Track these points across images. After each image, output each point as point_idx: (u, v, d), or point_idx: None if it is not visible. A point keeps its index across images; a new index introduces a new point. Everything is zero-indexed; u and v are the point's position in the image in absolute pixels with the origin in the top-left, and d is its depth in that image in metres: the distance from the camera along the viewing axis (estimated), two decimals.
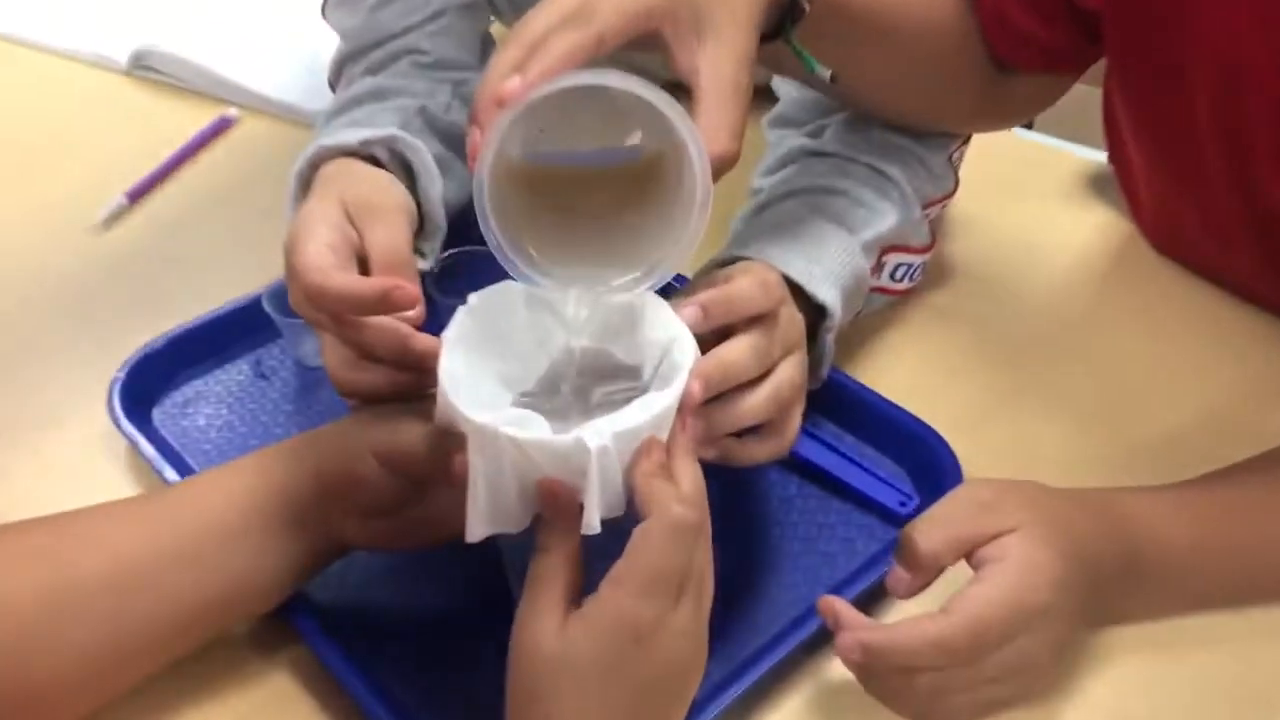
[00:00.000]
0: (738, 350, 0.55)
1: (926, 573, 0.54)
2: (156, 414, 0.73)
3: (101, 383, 0.71)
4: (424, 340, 0.55)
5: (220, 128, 0.98)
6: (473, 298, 0.55)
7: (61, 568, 0.53)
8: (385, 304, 0.54)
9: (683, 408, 0.52)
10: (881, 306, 0.76)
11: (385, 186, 0.63)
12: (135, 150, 0.94)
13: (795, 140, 0.75)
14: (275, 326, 0.74)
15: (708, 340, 0.55)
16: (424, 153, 0.67)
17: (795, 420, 0.58)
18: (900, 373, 0.74)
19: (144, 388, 0.72)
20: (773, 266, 0.58)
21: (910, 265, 0.74)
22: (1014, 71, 0.73)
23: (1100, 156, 0.89)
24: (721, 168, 0.52)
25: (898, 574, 0.55)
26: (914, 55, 0.69)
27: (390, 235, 0.59)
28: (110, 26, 1.08)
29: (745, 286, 0.56)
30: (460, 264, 0.74)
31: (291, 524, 0.56)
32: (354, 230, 0.59)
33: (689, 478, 0.50)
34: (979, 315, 0.79)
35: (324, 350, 0.59)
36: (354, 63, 0.80)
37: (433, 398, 0.52)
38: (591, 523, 0.48)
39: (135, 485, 0.69)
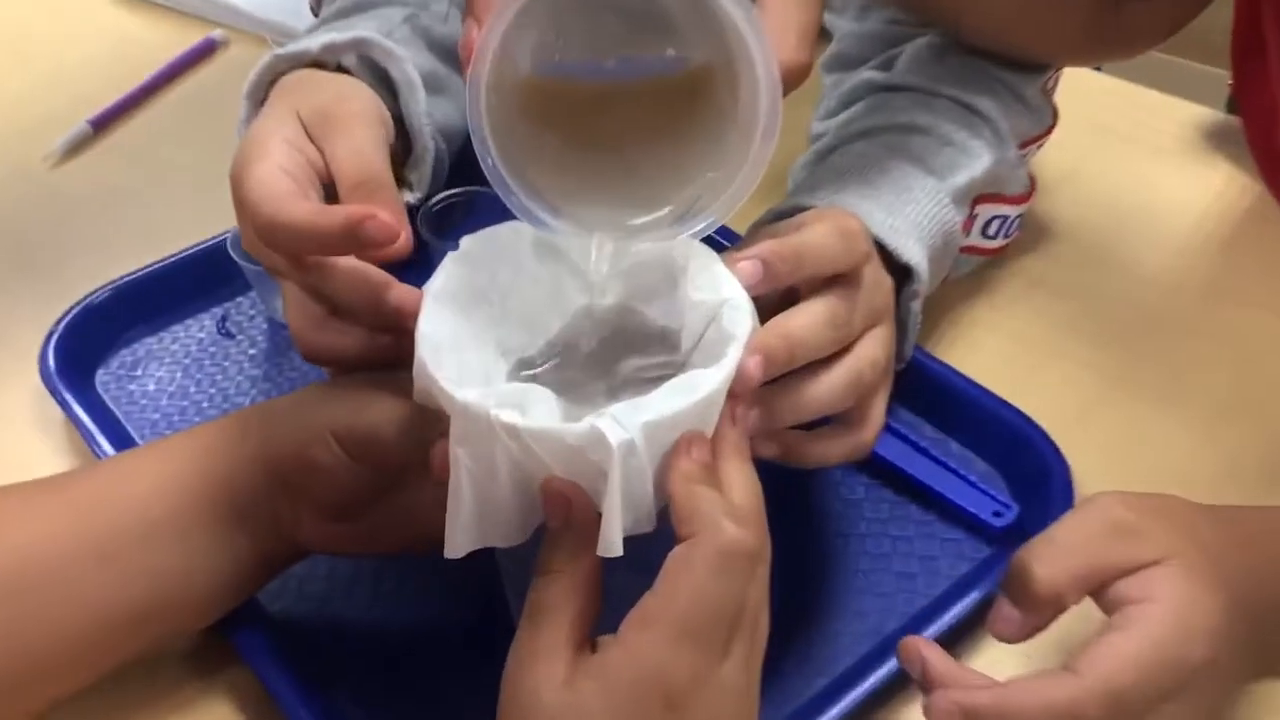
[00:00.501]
0: (809, 319, 0.42)
1: (1044, 612, 0.42)
2: (100, 377, 0.62)
3: (39, 339, 0.61)
4: (404, 292, 0.43)
5: (204, 51, 0.88)
6: (465, 242, 0.43)
7: None
8: (355, 238, 0.41)
9: (735, 392, 0.39)
10: (969, 271, 0.63)
11: (350, 93, 0.51)
12: (108, 75, 0.84)
13: (861, 74, 0.62)
14: (244, 275, 0.63)
15: (768, 307, 0.43)
16: (402, 59, 0.54)
17: (879, 411, 0.46)
18: (987, 354, 0.62)
19: (86, 345, 0.62)
20: (853, 213, 0.45)
21: (1006, 218, 0.62)
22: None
23: (1210, 112, 0.77)
24: (790, 81, 0.40)
25: (1005, 612, 0.42)
26: None
27: (357, 147, 0.47)
28: None
29: (820, 236, 0.43)
30: (462, 207, 0.62)
31: (232, 520, 0.45)
32: (314, 148, 0.47)
33: (743, 485, 0.38)
34: (1081, 285, 0.66)
35: (285, 303, 0.47)
36: None
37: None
38: (611, 541, 0.36)
39: (70, 460, 0.59)
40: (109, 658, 0.46)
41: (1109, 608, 0.41)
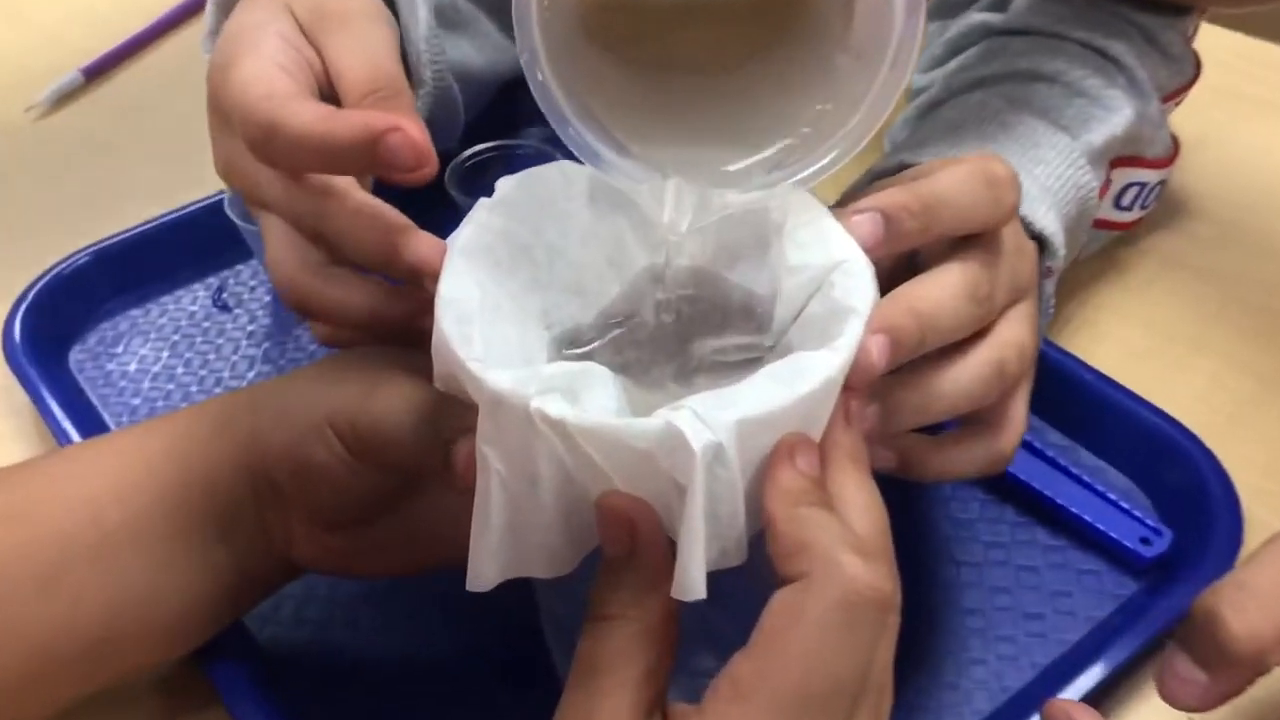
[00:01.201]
0: (944, 290, 0.33)
1: (1239, 674, 0.32)
2: (75, 354, 0.53)
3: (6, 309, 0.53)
4: (426, 244, 0.34)
5: None
6: (503, 185, 0.34)
7: None
8: (374, 153, 0.32)
9: (851, 383, 0.30)
10: (1097, 249, 0.54)
11: (354, 2, 0.41)
12: (106, 21, 0.77)
13: (972, 17, 0.53)
14: (244, 239, 0.54)
15: (880, 275, 0.33)
16: None
17: (1021, 411, 0.36)
18: (1118, 345, 0.52)
19: (60, 318, 0.54)
20: (998, 157, 0.35)
21: (1144, 185, 0.52)
22: None
23: None
24: None
25: (1184, 671, 0.33)
26: None
27: (364, 46, 0.37)
28: None
29: (957, 182, 0.34)
30: (499, 164, 0.54)
31: (209, 529, 0.37)
32: (311, 50, 0.38)
33: (864, 506, 0.29)
34: (1225, 268, 0.57)
35: (268, 243, 0.37)
36: None
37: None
38: (691, 581, 0.27)
39: (35, 452, 0.50)
40: (57, 696, 0.37)
41: None
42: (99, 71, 0.73)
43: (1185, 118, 0.57)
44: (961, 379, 0.34)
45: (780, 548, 0.27)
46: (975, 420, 0.36)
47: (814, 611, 0.26)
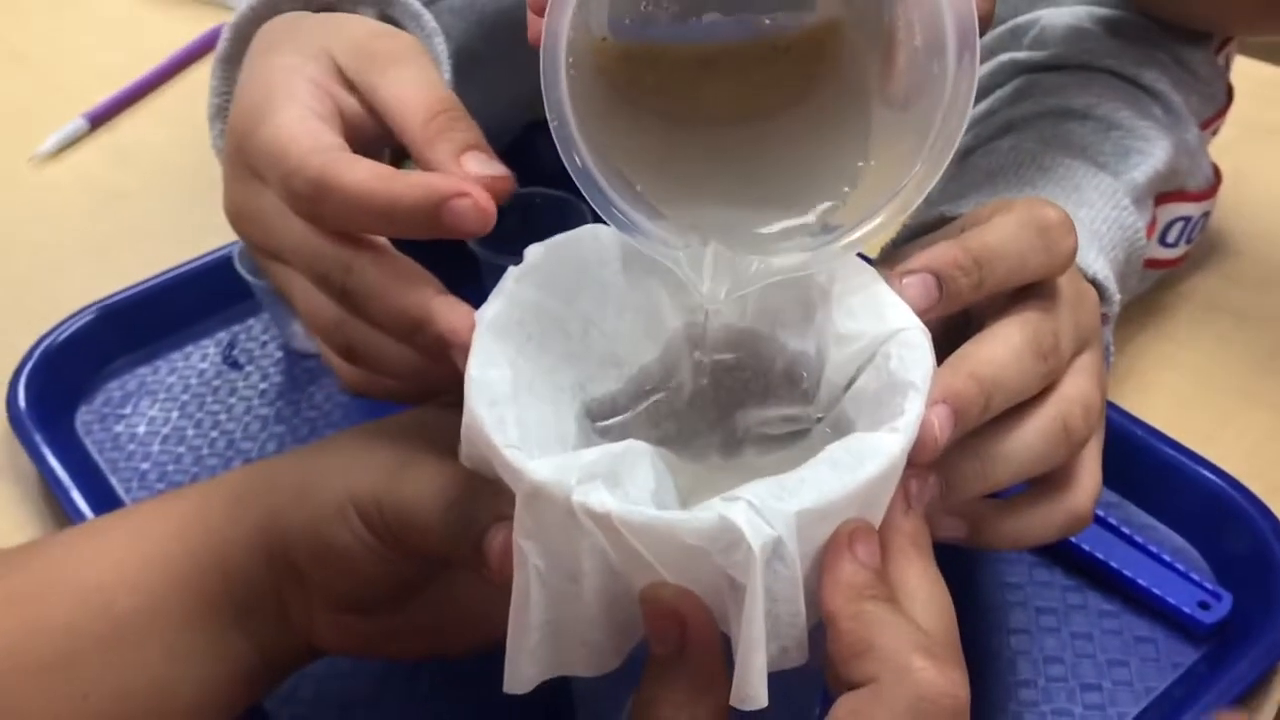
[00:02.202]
0: (1006, 349, 0.31)
1: None
2: (81, 416, 0.52)
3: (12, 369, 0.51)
4: (452, 311, 0.32)
5: (214, 40, 0.76)
6: (532, 252, 0.32)
7: None
8: (440, 219, 0.31)
9: (913, 460, 0.28)
10: (1146, 290, 0.52)
11: (387, 30, 0.39)
12: (109, 66, 0.75)
13: (997, 59, 0.51)
14: (254, 294, 0.52)
15: (937, 332, 0.31)
16: (432, 30, 0.42)
17: (1094, 468, 0.34)
18: (1164, 398, 0.51)
19: (65, 378, 0.52)
20: (1049, 201, 0.33)
21: (1189, 219, 0.50)
22: None
23: None
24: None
25: None
26: None
27: (423, 76, 0.35)
28: None
29: (1010, 232, 0.32)
30: (518, 212, 0.52)
31: (226, 615, 0.35)
32: (352, 98, 0.36)
33: (928, 599, 0.27)
34: (1267, 310, 0.55)
35: (292, 295, 0.35)
36: None
37: None
38: (752, 690, 0.25)
39: (39, 520, 0.48)
40: None
41: None
42: (103, 118, 0.71)
43: (1220, 153, 0.55)
44: (1026, 442, 0.32)
45: (844, 649, 0.25)
46: (1046, 481, 0.34)
47: None
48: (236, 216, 0.36)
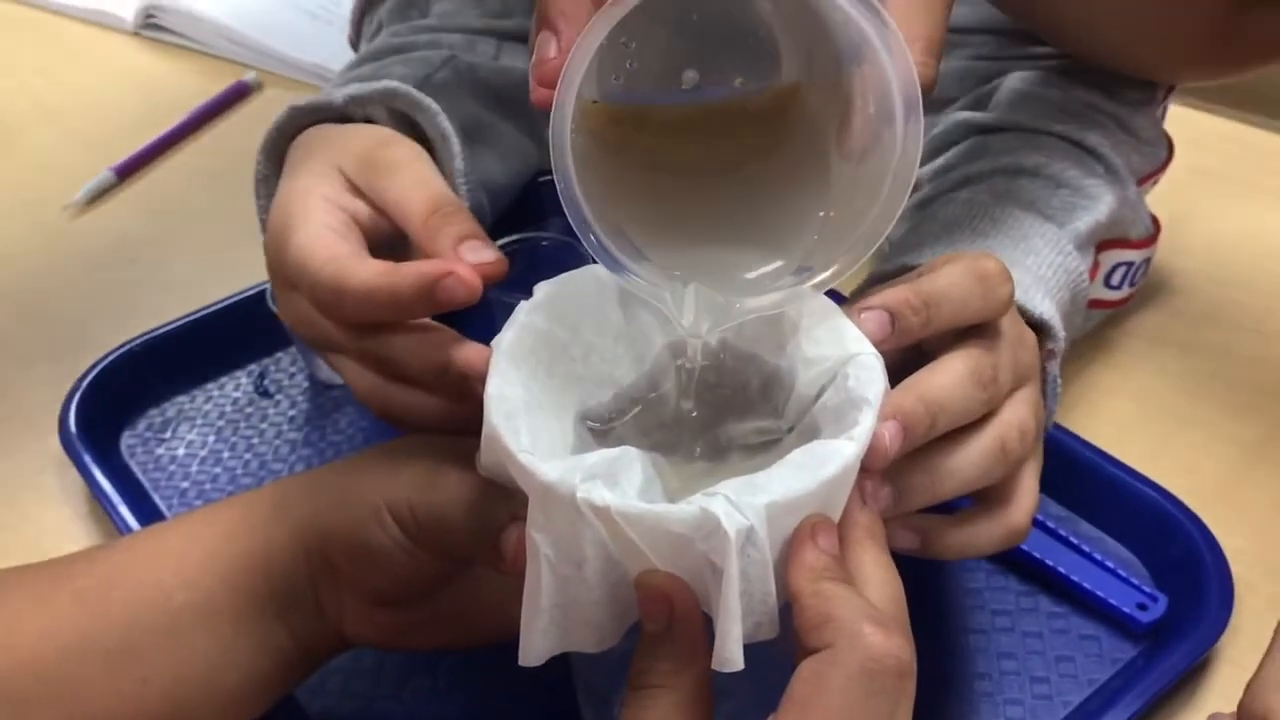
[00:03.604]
0: (951, 378, 0.36)
1: None
2: (126, 439, 0.56)
3: (57, 399, 0.55)
4: (472, 353, 0.37)
5: (237, 94, 0.84)
6: (542, 289, 0.37)
7: None
8: (432, 297, 0.36)
9: (867, 466, 0.33)
10: (1091, 328, 0.57)
11: (390, 138, 0.45)
12: (135, 121, 0.80)
13: (954, 116, 0.57)
14: (283, 329, 0.57)
15: (892, 367, 0.36)
16: (434, 113, 0.48)
17: (1030, 488, 0.39)
18: (1110, 420, 0.55)
19: (112, 404, 0.57)
20: (991, 254, 0.39)
21: (1131, 265, 0.55)
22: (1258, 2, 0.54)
23: None
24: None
25: None
26: None
27: (418, 178, 0.41)
28: None
29: (954, 280, 0.37)
30: (524, 255, 0.57)
31: (269, 609, 0.39)
32: (361, 203, 0.42)
33: (881, 580, 0.32)
34: (1209, 344, 0.60)
35: (346, 375, 0.41)
36: (374, 11, 0.63)
37: None
38: (729, 654, 0.30)
39: (91, 532, 0.53)
40: None
41: None
42: (130, 170, 0.76)
43: (1169, 198, 0.60)
44: (969, 459, 0.37)
45: (805, 620, 0.30)
46: (985, 499, 0.39)
47: (838, 679, 0.28)
48: (287, 318, 0.42)
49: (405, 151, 0.44)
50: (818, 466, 0.31)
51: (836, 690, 0.28)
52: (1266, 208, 0.69)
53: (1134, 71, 0.57)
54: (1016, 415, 0.38)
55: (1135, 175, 0.55)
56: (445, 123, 0.48)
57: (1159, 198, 0.59)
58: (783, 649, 0.32)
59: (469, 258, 0.38)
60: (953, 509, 0.38)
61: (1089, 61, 0.56)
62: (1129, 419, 0.55)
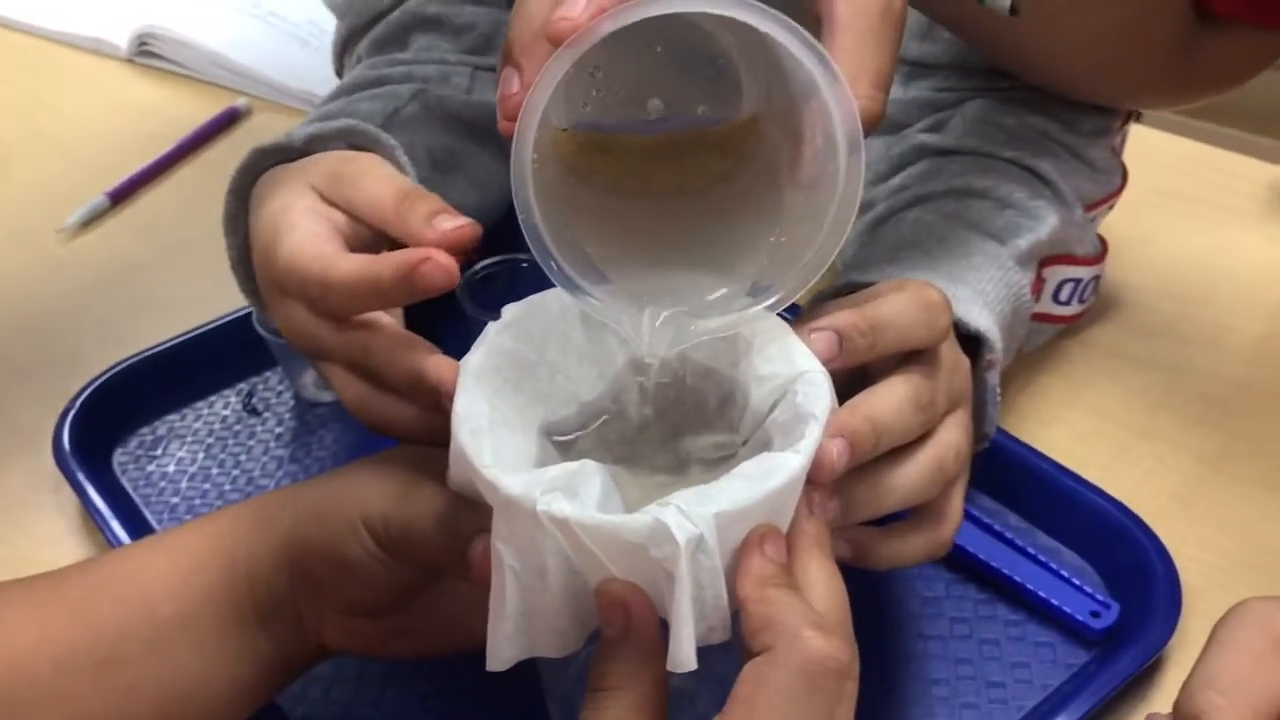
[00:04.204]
0: (893, 400, 0.38)
1: None
2: (118, 456, 0.58)
3: (50, 417, 0.57)
4: (441, 366, 0.39)
5: (227, 120, 0.85)
6: (508, 311, 0.39)
7: None
8: (411, 283, 0.38)
9: (814, 479, 0.35)
10: (1045, 341, 0.59)
11: (351, 155, 0.47)
12: (128, 145, 0.82)
13: (912, 138, 0.59)
14: (269, 350, 0.59)
15: (838, 388, 0.38)
16: (394, 148, 0.50)
17: (958, 504, 0.41)
18: (1065, 432, 0.57)
19: (104, 422, 0.58)
20: (933, 285, 0.41)
21: (1078, 281, 0.57)
22: (1218, 25, 0.56)
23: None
24: (864, 130, 0.36)
25: None
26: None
27: (383, 177, 0.43)
28: (112, 9, 0.97)
29: (899, 307, 0.39)
30: (505, 276, 0.59)
31: (252, 620, 0.41)
32: (338, 213, 0.44)
33: (826, 587, 0.33)
34: (1163, 357, 0.62)
35: (335, 383, 0.43)
36: (355, 44, 0.65)
37: None
38: (683, 656, 0.32)
39: (83, 547, 0.55)
40: None
41: None
42: (123, 195, 0.77)
43: (1128, 217, 0.62)
44: (909, 476, 0.39)
45: (750, 625, 0.32)
46: (917, 513, 0.41)
47: (779, 680, 0.30)
48: (284, 331, 0.44)
49: (366, 161, 0.46)
50: (765, 478, 0.33)
51: (777, 690, 0.30)
52: (1222, 225, 0.71)
53: (1094, 100, 0.59)
54: (952, 437, 0.40)
55: (1085, 201, 0.57)
56: (402, 156, 0.50)
57: (1119, 216, 0.62)
58: (735, 644, 0.34)
59: (443, 226, 0.40)
60: (884, 522, 0.40)
61: (1050, 90, 0.58)
62: (1086, 431, 0.57)
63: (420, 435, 0.41)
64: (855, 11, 0.36)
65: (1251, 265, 0.68)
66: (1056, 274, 0.57)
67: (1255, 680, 0.35)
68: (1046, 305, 0.58)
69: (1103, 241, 0.59)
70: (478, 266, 0.58)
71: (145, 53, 0.92)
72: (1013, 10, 0.44)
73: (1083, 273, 0.58)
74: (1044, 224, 0.54)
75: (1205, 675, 0.36)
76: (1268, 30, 0.57)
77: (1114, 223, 0.61)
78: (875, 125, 0.37)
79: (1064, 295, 0.58)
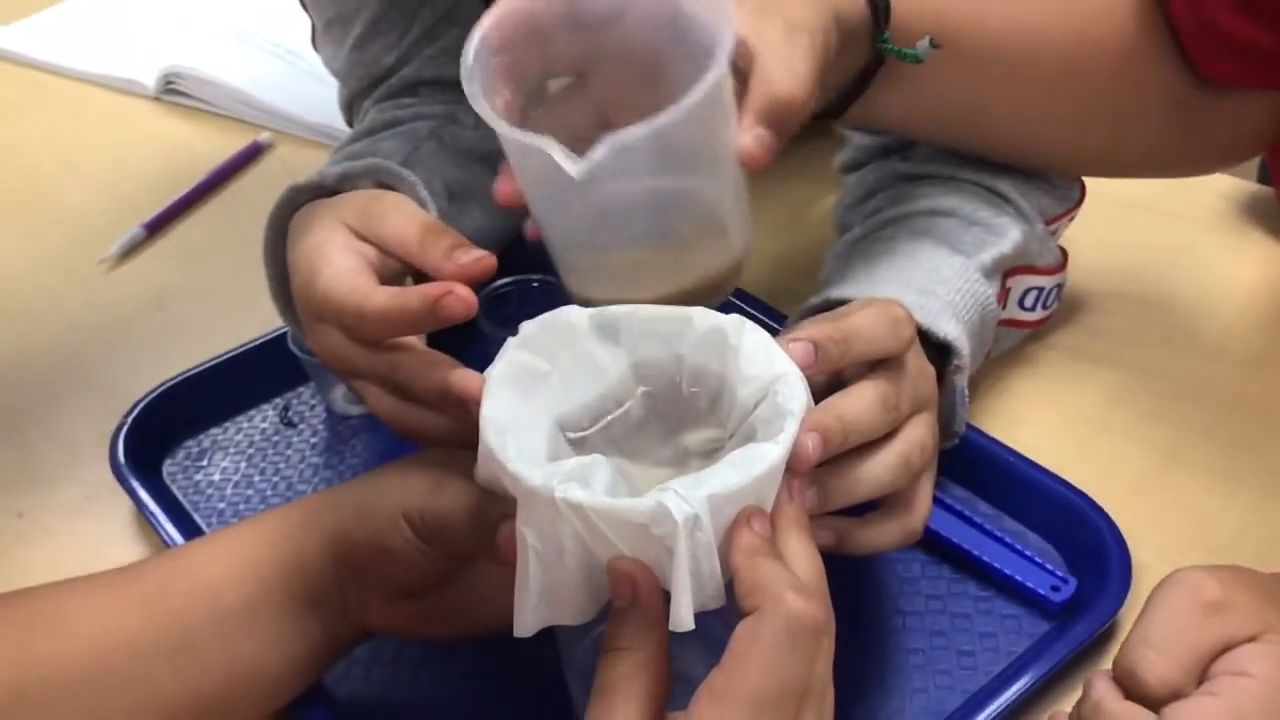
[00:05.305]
0: (861, 401, 0.43)
1: (1154, 705, 0.41)
2: (167, 467, 0.64)
3: (106, 434, 0.63)
4: (464, 377, 0.44)
5: (251, 153, 0.91)
6: (526, 327, 0.45)
7: (33, 658, 0.44)
8: (437, 313, 0.44)
9: (792, 468, 0.40)
10: (1013, 345, 0.64)
11: (378, 193, 0.53)
12: (159, 179, 0.87)
13: (884, 167, 0.64)
14: (303, 368, 0.64)
15: (814, 392, 0.44)
16: (415, 184, 0.56)
17: (926, 495, 0.47)
18: (1032, 427, 0.62)
19: (154, 437, 0.64)
20: (899, 302, 0.46)
21: (1042, 289, 0.63)
22: (1222, 90, 0.61)
23: (1242, 183, 0.78)
24: (787, 114, 0.43)
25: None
26: (1064, 79, 0.58)
27: (408, 213, 0.49)
28: (140, 50, 1.02)
29: (867, 321, 0.45)
30: (518, 294, 0.64)
31: (305, 605, 0.46)
32: (368, 247, 0.49)
33: (804, 558, 0.39)
34: (1121, 357, 0.67)
35: (369, 399, 0.48)
36: (360, 103, 0.71)
37: None
38: (682, 618, 0.37)
39: (140, 550, 0.61)
40: None
41: (1201, 679, 0.40)
42: (158, 226, 0.82)
43: (1091, 227, 0.67)
44: (878, 468, 0.44)
45: (741, 589, 0.37)
46: (889, 504, 0.46)
47: (765, 635, 0.35)
48: (323, 354, 0.49)
49: (392, 199, 0.51)
50: (750, 465, 0.39)
51: (764, 644, 0.35)
52: (1181, 234, 0.76)
53: (1101, 175, 0.64)
54: (917, 434, 0.45)
55: (1045, 215, 0.62)
56: (423, 191, 0.56)
57: (1083, 225, 0.66)
58: (729, 610, 0.39)
59: (461, 260, 0.45)
60: (861, 514, 0.46)
61: (1031, 166, 0.62)
62: (1051, 427, 0.62)
63: (447, 440, 0.47)
64: (769, 32, 0.43)
65: (1207, 272, 0.73)
66: (1020, 283, 0.62)
67: (1183, 638, 0.40)
68: (1013, 312, 0.63)
69: (1063, 252, 0.64)
70: (493, 285, 0.64)
71: (172, 91, 0.98)
72: (933, 44, 0.49)
73: (1045, 281, 0.63)
74: (1006, 239, 0.59)
75: (1140, 634, 0.41)
76: (1269, 92, 0.61)
77: (1079, 232, 0.66)
78: (799, 109, 0.43)
79: (1028, 302, 0.63)
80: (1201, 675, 0.40)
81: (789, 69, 0.43)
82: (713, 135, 0.43)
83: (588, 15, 0.46)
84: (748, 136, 0.42)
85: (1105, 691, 0.41)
